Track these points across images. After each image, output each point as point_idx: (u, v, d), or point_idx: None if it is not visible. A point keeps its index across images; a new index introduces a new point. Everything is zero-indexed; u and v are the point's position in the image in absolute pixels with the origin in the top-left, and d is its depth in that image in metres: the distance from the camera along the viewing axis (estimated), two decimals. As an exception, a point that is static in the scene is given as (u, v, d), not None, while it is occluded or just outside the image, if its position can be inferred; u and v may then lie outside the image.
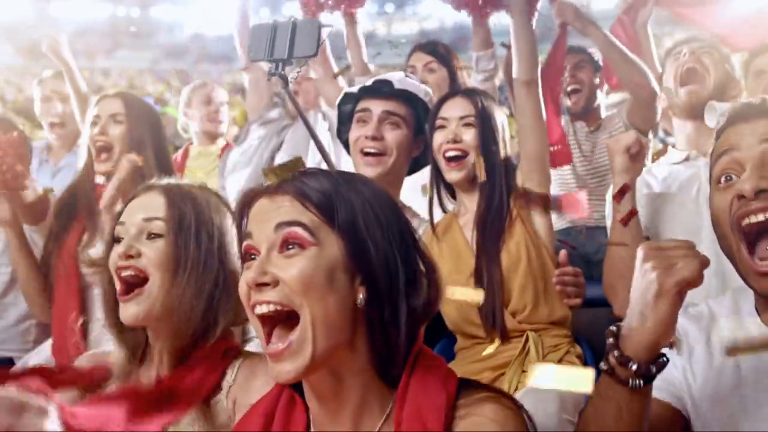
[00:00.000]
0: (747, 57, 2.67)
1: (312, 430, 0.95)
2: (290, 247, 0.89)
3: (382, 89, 2.02)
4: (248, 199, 0.95)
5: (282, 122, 3.03)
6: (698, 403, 1.12)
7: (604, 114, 2.89)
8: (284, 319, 0.89)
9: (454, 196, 2.01)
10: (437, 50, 2.86)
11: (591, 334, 2.03)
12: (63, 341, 2.01)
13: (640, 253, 0.94)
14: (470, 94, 1.96)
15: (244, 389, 1.21)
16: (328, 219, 0.90)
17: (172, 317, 1.22)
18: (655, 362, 0.93)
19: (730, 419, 1.08)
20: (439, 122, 1.92)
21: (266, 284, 0.88)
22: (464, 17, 2.77)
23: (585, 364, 1.91)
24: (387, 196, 0.97)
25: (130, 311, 1.21)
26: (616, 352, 0.94)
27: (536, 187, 1.90)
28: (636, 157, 1.70)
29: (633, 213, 1.69)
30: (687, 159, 1.89)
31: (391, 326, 0.90)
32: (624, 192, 1.69)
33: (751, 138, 1.10)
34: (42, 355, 2.09)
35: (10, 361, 2.19)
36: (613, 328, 0.97)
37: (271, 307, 0.88)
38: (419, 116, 2.03)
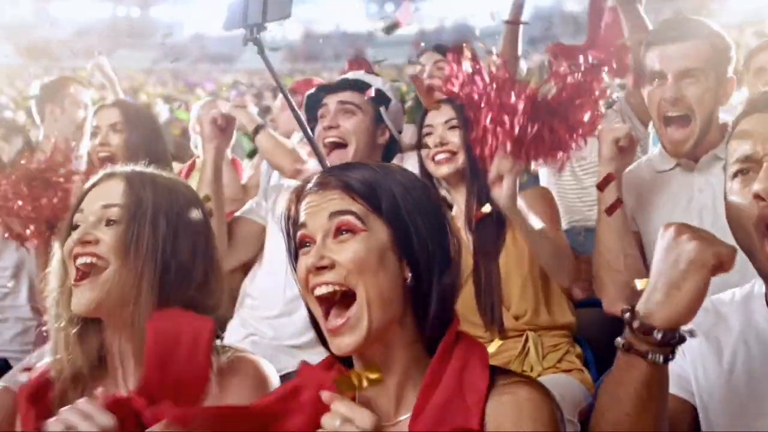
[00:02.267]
0: (747, 54, 2.64)
1: (357, 399, 1.01)
2: (343, 233, 0.98)
3: (336, 83, 2.11)
4: (297, 195, 1.05)
5: None
6: (708, 400, 1.10)
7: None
8: (340, 300, 0.98)
9: (449, 206, 2.03)
10: (446, 51, 2.91)
11: (591, 334, 2.03)
12: None
13: (670, 229, 0.92)
14: (452, 100, 2.00)
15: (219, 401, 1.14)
16: (374, 207, 0.99)
17: (126, 308, 1.15)
18: (676, 334, 0.91)
19: (742, 417, 1.06)
20: (426, 129, 1.97)
21: (324, 267, 0.97)
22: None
23: (585, 364, 1.91)
24: (422, 183, 1.08)
25: (83, 297, 1.13)
26: (636, 323, 0.91)
27: None
28: (624, 149, 1.66)
29: (618, 203, 1.63)
30: (678, 165, 1.77)
31: (431, 302, 0.99)
32: (608, 181, 1.64)
33: (765, 129, 1.07)
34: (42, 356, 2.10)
35: (5, 362, 2.19)
36: (626, 306, 0.95)
37: (330, 288, 0.97)
38: (376, 103, 2.07)
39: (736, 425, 1.07)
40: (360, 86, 2.06)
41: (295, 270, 1.04)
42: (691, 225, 0.92)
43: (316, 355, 1.83)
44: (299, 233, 1.01)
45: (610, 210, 1.62)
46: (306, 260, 0.98)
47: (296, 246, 1.03)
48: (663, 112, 1.70)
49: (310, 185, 1.03)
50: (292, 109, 2.04)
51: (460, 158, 1.89)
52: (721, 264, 0.88)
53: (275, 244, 1.99)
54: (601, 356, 1.98)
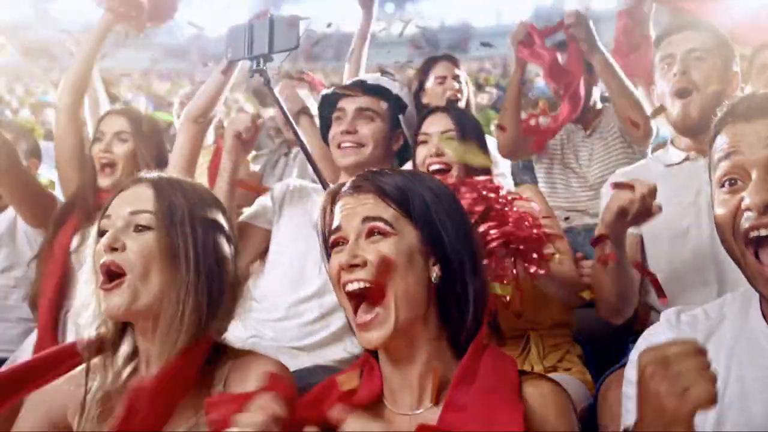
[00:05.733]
0: (751, 52, 2.63)
1: (384, 390, 1.10)
2: (375, 234, 1.05)
3: (355, 87, 2.08)
4: (332, 197, 1.13)
5: (277, 153, 3.04)
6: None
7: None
8: (368, 297, 1.05)
9: None
10: (458, 63, 3.00)
11: (591, 334, 2.03)
12: (44, 338, 2.04)
13: (644, 367, 0.87)
14: (450, 110, 2.04)
15: None
16: (405, 211, 1.07)
17: (158, 315, 1.16)
18: None
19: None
20: (421, 137, 1.97)
21: (356, 265, 1.04)
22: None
23: (585, 363, 1.91)
24: (449, 190, 1.15)
25: (112, 302, 1.15)
26: None
27: None
28: (628, 222, 1.53)
29: (610, 257, 1.57)
30: (687, 159, 1.81)
31: (462, 300, 1.07)
32: (600, 241, 1.58)
33: (754, 140, 1.05)
34: (26, 350, 2.10)
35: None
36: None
37: (361, 285, 1.04)
38: (393, 110, 2.06)
39: None
40: (378, 91, 2.05)
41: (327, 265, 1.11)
42: (665, 357, 0.85)
43: (317, 357, 1.85)
44: (334, 236, 1.09)
45: (602, 261, 1.60)
46: (339, 257, 1.06)
47: (329, 245, 1.10)
48: (672, 86, 1.77)
49: (345, 188, 1.11)
50: (295, 134, 2.03)
51: (455, 172, 1.88)
52: (702, 409, 0.84)
53: (281, 248, 1.98)
54: (601, 356, 1.99)
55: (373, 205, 1.07)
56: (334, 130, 2.04)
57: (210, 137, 3.31)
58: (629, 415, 0.96)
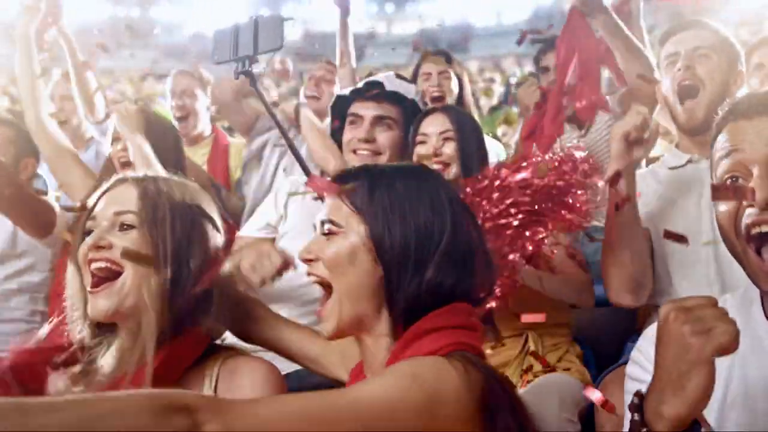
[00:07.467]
0: (746, 50, 2.64)
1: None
2: (329, 234, 1.06)
3: (372, 92, 2.06)
4: None
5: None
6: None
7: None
8: (326, 290, 1.07)
9: None
10: (450, 58, 2.98)
11: (591, 334, 2.04)
12: (51, 339, 2.06)
13: (666, 314, 0.85)
14: (448, 109, 2.03)
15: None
16: (357, 209, 1.05)
17: (144, 313, 1.15)
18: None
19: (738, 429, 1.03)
20: (419, 138, 1.96)
21: (311, 260, 1.07)
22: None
23: (585, 363, 1.91)
24: (420, 178, 1.08)
25: (99, 305, 1.15)
26: (644, 430, 0.86)
27: None
28: (634, 144, 1.57)
29: (626, 199, 1.59)
30: (690, 161, 1.83)
31: (400, 298, 1.01)
32: (615, 179, 1.58)
33: (755, 137, 1.06)
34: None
35: None
36: (636, 399, 0.88)
37: (314, 278, 1.07)
38: (407, 115, 2.05)
39: None
40: (395, 97, 2.04)
41: None
42: (686, 306, 0.85)
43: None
44: None
45: (618, 205, 1.59)
46: (299, 252, 1.10)
47: None
48: (676, 84, 1.78)
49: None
50: (286, 138, 2.03)
51: (453, 169, 1.88)
52: (725, 352, 0.83)
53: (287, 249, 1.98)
54: (601, 356, 1.99)
55: (332, 206, 1.07)
56: (350, 135, 2.03)
57: (207, 129, 3.33)
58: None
